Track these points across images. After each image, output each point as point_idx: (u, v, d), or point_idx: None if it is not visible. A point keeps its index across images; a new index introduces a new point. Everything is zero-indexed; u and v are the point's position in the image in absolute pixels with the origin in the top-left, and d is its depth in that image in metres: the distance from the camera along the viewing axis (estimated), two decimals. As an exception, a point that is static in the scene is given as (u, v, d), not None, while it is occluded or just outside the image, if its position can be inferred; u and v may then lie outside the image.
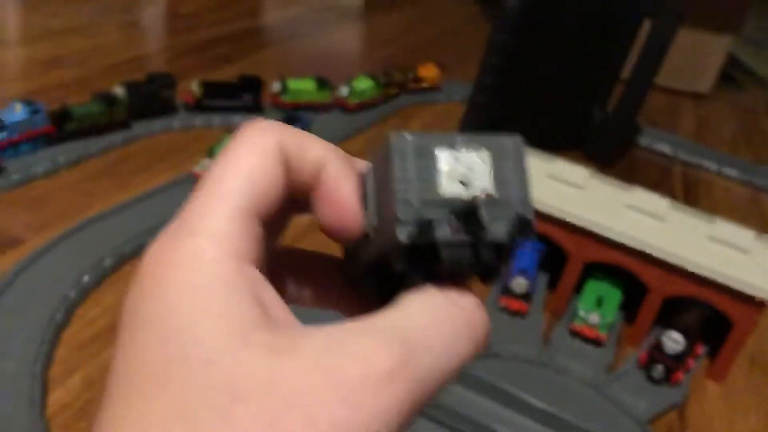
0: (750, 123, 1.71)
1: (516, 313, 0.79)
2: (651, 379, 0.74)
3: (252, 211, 0.20)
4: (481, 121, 1.17)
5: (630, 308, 0.81)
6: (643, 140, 1.40)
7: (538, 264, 0.83)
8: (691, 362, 0.76)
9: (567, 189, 0.80)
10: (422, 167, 0.19)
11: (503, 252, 0.20)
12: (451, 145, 0.20)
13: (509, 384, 0.65)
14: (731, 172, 1.35)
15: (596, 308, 0.78)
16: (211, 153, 0.92)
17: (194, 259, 0.19)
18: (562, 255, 0.81)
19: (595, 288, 0.81)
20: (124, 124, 1.02)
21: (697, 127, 1.60)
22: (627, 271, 0.78)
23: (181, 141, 1.05)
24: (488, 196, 0.19)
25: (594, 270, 0.82)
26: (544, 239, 0.82)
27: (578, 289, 0.82)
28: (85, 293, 0.71)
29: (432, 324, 0.18)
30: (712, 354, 0.79)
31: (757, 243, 0.75)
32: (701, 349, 0.79)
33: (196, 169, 0.91)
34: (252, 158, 0.20)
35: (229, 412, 0.16)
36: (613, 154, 1.27)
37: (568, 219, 0.78)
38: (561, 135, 1.24)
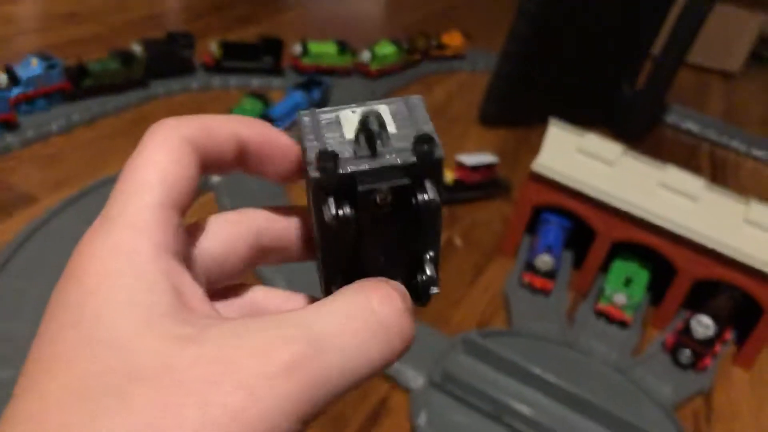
0: (779, 103, 1.67)
1: (540, 291, 0.77)
2: (677, 363, 0.72)
3: (168, 202, 0.21)
4: (506, 91, 1.14)
5: (656, 290, 0.79)
6: (671, 118, 1.36)
7: (564, 241, 0.81)
8: (718, 348, 0.74)
9: (597, 165, 0.77)
10: (328, 128, 0.21)
11: (418, 178, 0.21)
12: (352, 108, 0.22)
13: (530, 362, 0.63)
14: (760, 152, 1.31)
15: (623, 288, 0.75)
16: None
17: (114, 250, 0.19)
18: (589, 233, 0.78)
19: (622, 268, 0.78)
20: (141, 83, 0.99)
21: (725, 106, 1.55)
22: (655, 252, 0.76)
23: (198, 101, 1.02)
24: (386, 130, 0.21)
25: (621, 249, 0.80)
26: (571, 216, 0.80)
27: (604, 268, 0.80)
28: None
29: (348, 328, 0.19)
30: (740, 340, 0.77)
31: (794, 227, 0.72)
32: (729, 335, 0.77)
33: (215, 132, 0.89)
34: (162, 153, 0.21)
35: (126, 394, 0.17)
36: (641, 131, 1.24)
37: (598, 196, 0.75)
38: (588, 109, 1.20)
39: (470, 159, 0.91)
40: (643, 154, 0.79)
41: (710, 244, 0.72)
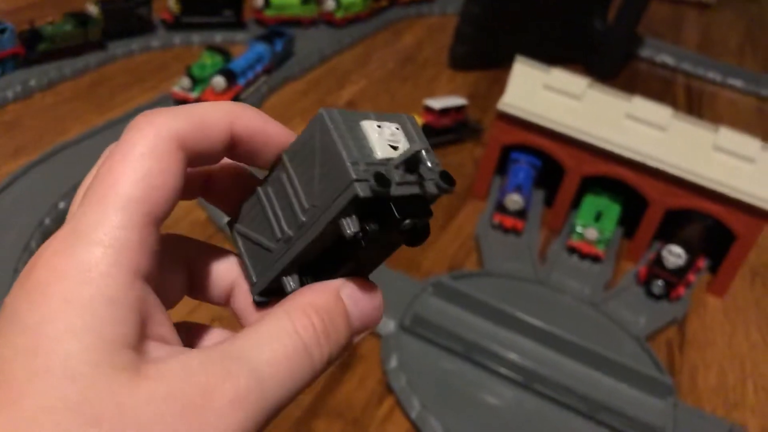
0: (756, 32, 1.65)
1: (511, 231, 0.77)
2: (651, 294, 0.72)
3: (150, 218, 0.19)
4: (475, 32, 1.12)
5: (630, 223, 0.79)
6: (645, 52, 1.35)
7: (534, 180, 0.80)
8: (692, 277, 0.74)
9: (564, 100, 0.76)
10: (355, 137, 0.21)
11: (429, 204, 0.22)
12: (369, 118, 0.22)
13: (503, 302, 0.63)
14: (736, 82, 1.30)
15: (594, 223, 0.75)
16: (189, 72, 0.87)
17: (84, 271, 0.18)
18: (560, 170, 0.77)
19: (593, 203, 0.78)
20: (99, 45, 0.97)
21: (701, 37, 1.54)
22: (627, 185, 0.75)
23: (159, 60, 1.00)
24: (417, 152, 0.21)
25: (592, 184, 0.79)
26: (540, 154, 0.79)
27: (576, 204, 0.79)
28: (61, 220, 0.68)
29: (279, 355, 0.20)
30: (714, 268, 0.77)
31: (764, 152, 0.71)
32: (703, 263, 0.77)
33: (175, 89, 0.87)
34: (148, 160, 0.19)
35: None
36: (615, 66, 1.22)
37: (565, 131, 0.74)
38: (560, 47, 1.18)
39: (438, 102, 0.90)
40: (616, 89, 0.78)
41: (680, 174, 0.71)
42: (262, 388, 0.19)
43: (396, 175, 0.21)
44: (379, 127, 0.22)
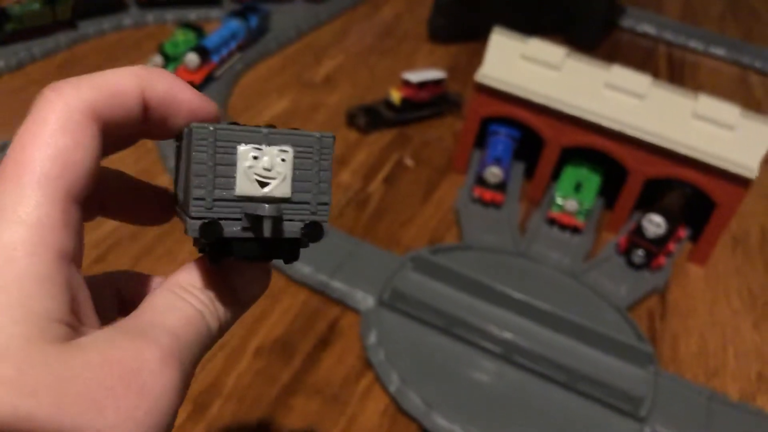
0: (738, 0, 1.64)
1: (491, 204, 0.76)
2: (631, 264, 0.71)
3: (70, 195, 0.19)
4: (454, 4, 1.10)
5: (610, 194, 0.78)
6: (627, 21, 1.33)
7: (514, 152, 0.79)
8: (672, 246, 0.74)
9: (542, 70, 0.75)
10: (222, 162, 0.20)
11: (297, 244, 0.22)
12: (256, 140, 0.21)
13: (484, 275, 0.62)
14: (718, 50, 1.29)
15: (574, 194, 0.74)
16: (161, 50, 0.86)
17: (7, 252, 0.18)
18: (539, 141, 0.77)
19: (572, 173, 0.77)
20: (69, 24, 0.95)
21: (683, 5, 1.52)
22: (606, 155, 0.74)
23: (132, 39, 0.98)
24: (282, 199, 0.21)
25: (572, 155, 0.78)
26: (519, 125, 0.78)
27: (556, 176, 0.79)
28: None
29: (184, 322, 0.21)
30: (695, 237, 0.77)
31: (743, 119, 0.71)
32: (684, 232, 0.77)
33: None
34: (61, 135, 0.19)
35: (19, 407, 0.16)
36: (596, 37, 1.21)
37: (544, 102, 0.73)
38: (541, 18, 1.17)
39: (416, 76, 0.89)
40: (596, 58, 0.77)
41: (659, 142, 0.71)
42: (180, 346, 0.20)
43: (232, 226, 0.21)
44: (255, 157, 0.21)
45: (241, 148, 0.21)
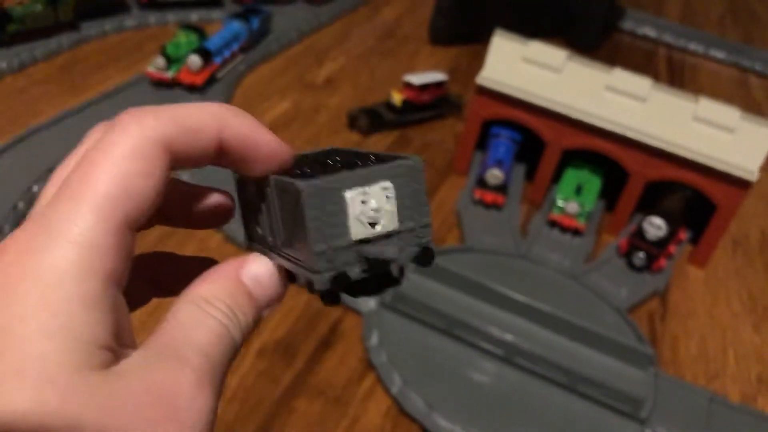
0: (737, 2, 1.64)
1: (492, 206, 0.76)
2: (632, 266, 0.72)
3: (127, 221, 0.19)
4: (455, 6, 1.10)
5: (611, 196, 0.78)
6: (627, 24, 1.34)
7: (515, 154, 0.80)
8: (673, 248, 0.74)
9: (543, 72, 0.75)
10: (333, 212, 0.21)
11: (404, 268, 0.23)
12: (358, 183, 0.21)
13: (485, 277, 0.62)
14: (718, 53, 1.29)
15: (575, 196, 0.74)
16: (164, 51, 0.86)
17: (58, 273, 0.17)
18: (540, 143, 0.77)
19: (573, 176, 0.77)
20: (71, 25, 0.95)
21: (683, 8, 1.53)
22: (607, 158, 0.75)
23: (134, 40, 0.98)
24: (393, 231, 0.22)
25: (573, 158, 0.79)
26: (520, 128, 0.78)
27: (557, 178, 0.79)
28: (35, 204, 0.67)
29: (212, 339, 0.21)
30: (695, 239, 0.77)
31: (743, 122, 0.71)
32: (684, 235, 0.77)
33: (150, 69, 0.86)
34: (131, 161, 0.19)
35: None
36: (596, 39, 1.22)
37: (545, 104, 0.74)
38: (541, 20, 1.17)
39: (418, 78, 0.89)
40: (596, 61, 0.77)
41: (660, 145, 0.71)
42: (212, 365, 0.20)
43: (357, 268, 0.21)
44: (363, 201, 0.21)
45: (348, 195, 0.21)
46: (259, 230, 0.24)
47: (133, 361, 0.19)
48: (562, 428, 0.54)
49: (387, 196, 0.21)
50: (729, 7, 1.60)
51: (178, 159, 0.20)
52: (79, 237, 0.18)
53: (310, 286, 0.22)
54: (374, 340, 0.58)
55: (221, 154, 0.22)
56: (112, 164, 0.19)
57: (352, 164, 0.22)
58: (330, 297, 0.22)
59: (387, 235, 0.22)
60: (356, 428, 0.52)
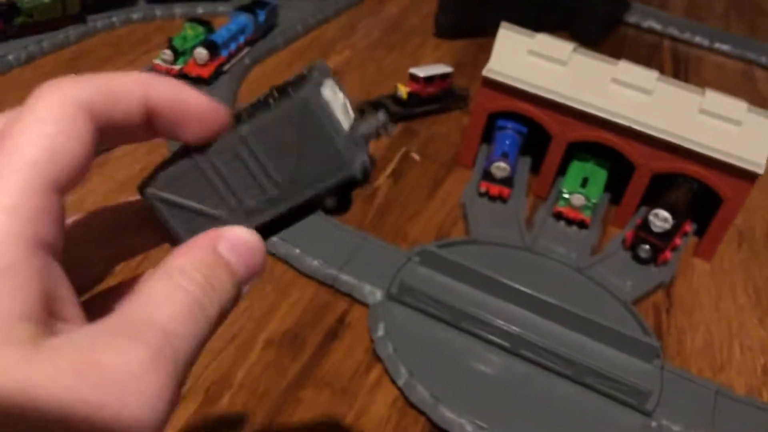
0: (744, -5, 1.63)
1: (497, 198, 0.76)
2: (637, 259, 0.72)
3: (53, 183, 0.18)
4: (460, 1, 1.10)
5: (617, 189, 0.78)
6: (632, 17, 1.33)
7: (520, 147, 0.80)
8: (678, 241, 0.74)
9: (549, 65, 0.75)
10: (327, 112, 0.22)
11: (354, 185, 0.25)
12: (321, 83, 0.23)
13: (491, 269, 0.63)
14: (723, 46, 1.29)
15: (580, 189, 0.74)
16: (171, 44, 0.86)
17: None
18: (546, 136, 0.77)
19: (579, 168, 0.77)
20: (78, 18, 0.95)
21: (688, 1, 1.52)
22: (613, 150, 0.75)
23: (141, 33, 0.98)
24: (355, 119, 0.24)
25: (579, 150, 0.79)
26: (526, 120, 0.78)
27: (562, 171, 0.79)
28: None
29: (179, 314, 0.19)
30: (701, 232, 0.77)
31: (750, 114, 0.71)
32: (689, 227, 0.77)
33: (157, 61, 0.86)
34: (51, 124, 0.19)
35: None
36: (601, 33, 1.21)
37: (550, 97, 0.74)
38: (546, 13, 1.17)
39: (423, 71, 0.89)
40: (601, 53, 0.77)
41: (666, 137, 0.71)
42: (171, 343, 0.19)
43: (366, 155, 0.24)
44: (333, 92, 0.23)
45: (324, 92, 0.22)
46: (214, 211, 0.23)
47: (73, 337, 0.17)
48: (568, 420, 0.55)
49: (337, 90, 0.24)
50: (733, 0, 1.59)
51: (104, 122, 0.20)
52: (3, 200, 0.17)
53: (319, 200, 0.23)
54: (381, 331, 0.58)
55: (152, 122, 0.21)
56: (32, 129, 0.18)
57: (288, 86, 0.23)
58: (340, 204, 0.24)
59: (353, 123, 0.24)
60: (363, 419, 0.52)
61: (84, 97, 0.19)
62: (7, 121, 0.19)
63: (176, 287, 0.20)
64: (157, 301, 0.20)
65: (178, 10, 1.04)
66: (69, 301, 0.19)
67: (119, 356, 0.17)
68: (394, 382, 0.55)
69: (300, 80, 0.23)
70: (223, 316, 0.21)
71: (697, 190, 0.75)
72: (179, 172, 0.23)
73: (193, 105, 0.22)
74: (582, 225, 0.75)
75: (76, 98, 0.19)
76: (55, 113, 0.19)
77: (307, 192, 0.23)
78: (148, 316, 0.19)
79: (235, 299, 0.22)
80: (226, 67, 0.90)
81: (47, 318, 0.17)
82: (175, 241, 0.24)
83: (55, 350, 0.17)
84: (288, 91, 0.23)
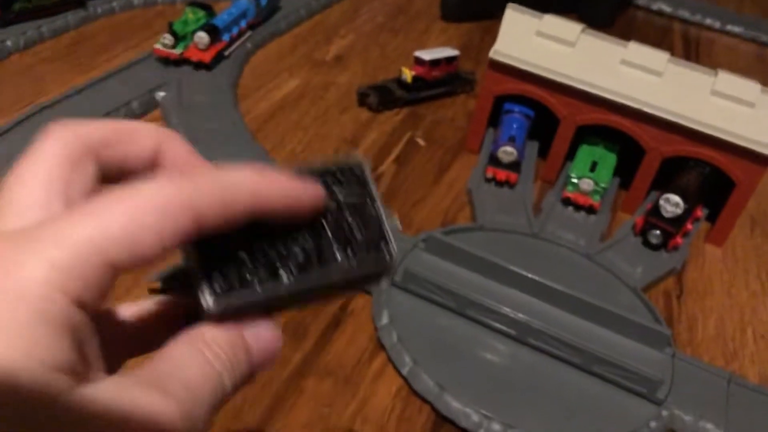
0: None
1: (504, 184, 0.75)
2: (648, 245, 0.70)
3: (106, 255, 0.18)
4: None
5: (627, 173, 0.77)
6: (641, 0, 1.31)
7: (528, 131, 0.78)
8: (690, 226, 0.72)
9: (557, 47, 0.73)
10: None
11: None
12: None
13: (497, 256, 0.61)
14: (735, 28, 1.27)
15: (589, 173, 0.73)
16: (171, 29, 0.85)
17: (23, 292, 0.17)
18: (554, 119, 0.75)
19: (588, 152, 0.76)
20: (78, 3, 0.94)
21: (699, -17, 1.49)
22: (623, 133, 0.73)
23: (142, 18, 0.97)
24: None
25: (588, 134, 0.77)
26: (533, 104, 0.77)
27: (571, 155, 0.77)
28: None
29: (199, 379, 0.20)
30: (712, 217, 0.75)
31: (763, 96, 0.69)
32: (701, 212, 0.75)
33: (157, 46, 0.85)
34: (49, 165, 0.20)
35: None
36: (609, 15, 1.19)
37: (559, 79, 0.72)
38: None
39: (428, 54, 0.87)
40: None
41: (677, 120, 0.69)
42: (195, 404, 0.20)
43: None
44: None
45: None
46: (250, 276, 0.22)
47: (106, 384, 0.18)
48: (577, 409, 0.53)
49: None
50: (747, -19, 1.57)
51: (109, 154, 0.21)
52: (51, 255, 0.17)
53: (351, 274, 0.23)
54: (384, 319, 0.57)
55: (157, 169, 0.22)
56: (35, 168, 0.20)
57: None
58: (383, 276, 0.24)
59: None
60: (366, 408, 0.51)
61: (89, 133, 0.21)
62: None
63: (199, 354, 0.21)
64: (181, 362, 0.20)
65: (180, -6, 1.03)
66: (98, 359, 0.19)
67: (157, 407, 0.18)
68: (398, 370, 0.54)
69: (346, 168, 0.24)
70: (235, 390, 0.22)
71: (708, 174, 0.73)
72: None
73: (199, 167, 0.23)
74: (591, 210, 0.73)
75: (81, 134, 0.21)
76: (56, 156, 0.20)
77: (346, 275, 0.23)
78: (176, 375, 0.20)
79: (247, 381, 0.23)
80: (227, 52, 0.89)
81: (83, 371, 0.18)
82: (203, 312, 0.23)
83: (86, 399, 0.17)
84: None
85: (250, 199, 0.20)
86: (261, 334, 0.23)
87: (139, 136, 0.21)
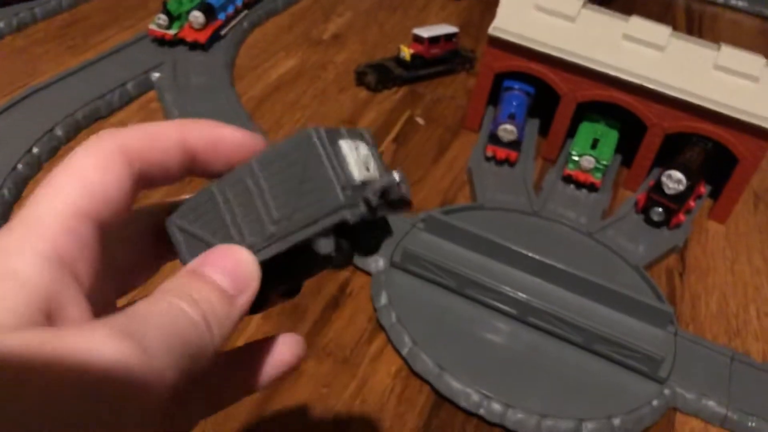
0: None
1: (504, 162, 0.74)
2: (650, 222, 0.69)
3: (85, 212, 0.20)
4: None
5: (628, 150, 0.76)
6: (644, -27, 1.29)
7: (528, 108, 0.77)
8: (692, 203, 0.71)
9: (557, 22, 0.72)
10: (338, 158, 0.22)
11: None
12: (344, 136, 0.22)
13: (498, 235, 0.60)
14: (740, 2, 1.25)
15: (590, 151, 0.72)
16: (165, 8, 0.83)
17: (3, 251, 0.19)
18: (554, 96, 0.74)
19: (589, 129, 0.75)
20: (71, -17, 0.92)
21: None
22: (624, 110, 0.72)
23: (136, -2, 0.96)
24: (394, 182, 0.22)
25: (589, 111, 0.76)
26: (534, 80, 0.75)
27: (572, 132, 0.76)
28: (36, 166, 0.66)
29: (167, 331, 0.19)
30: (715, 193, 0.74)
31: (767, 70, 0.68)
32: (704, 189, 0.74)
33: (152, 26, 0.83)
34: (87, 160, 0.21)
35: None
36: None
37: (559, 55, 0.71)
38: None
39: (427, 31, 0.86)
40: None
41: (679, 95, 0.68)
42: (138, 323, 0.19)
43: (374, 201, 0.22)
44: (356, 147, 0.22)
45: (342, 143, 0.22)
46: (218, 243, 0.24)
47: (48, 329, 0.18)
48: (579, 388, 0.53)
49: (366, 148, 0.23)
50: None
51: (144, 165, 0.22)
52: (32, 219, 0.19)
53: (317, 245, 0.22)
54: (384, 300, 0.56)
55: (193, 163, 0.23)
56: (70, 164, 0.21)
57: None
58: (348, 255, 0.23)
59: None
60: (365, 389, 0.51)
61: (124, 142, 0.21)
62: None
63: (172, 306, 0.20)
64: (149, 309, 0.20)
65: (175, -27, 1.01)
66: (75, 305, 0.20)
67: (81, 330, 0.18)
68: (397, 351, 0.53)
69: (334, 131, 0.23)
70: (224, 337, 0.22)
71: (711, 150, 0.72)
72: (197, 202, 0.24)
73: (230, 139, 0.23)
74: (592, 188, 0.72)
75: (117, 143, 0.21)
76: (94, 153, 0.21)
77: (298, 234, 0.22)
78: (137, 317, 0.19)
79: (238, 315, 0.22)
80: (223, 31, 0.87)
81: (44, 322, 0.18)
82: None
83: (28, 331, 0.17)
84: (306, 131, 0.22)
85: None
86: (222, 265, 0.22)
87: (162, 134, 0.22)
